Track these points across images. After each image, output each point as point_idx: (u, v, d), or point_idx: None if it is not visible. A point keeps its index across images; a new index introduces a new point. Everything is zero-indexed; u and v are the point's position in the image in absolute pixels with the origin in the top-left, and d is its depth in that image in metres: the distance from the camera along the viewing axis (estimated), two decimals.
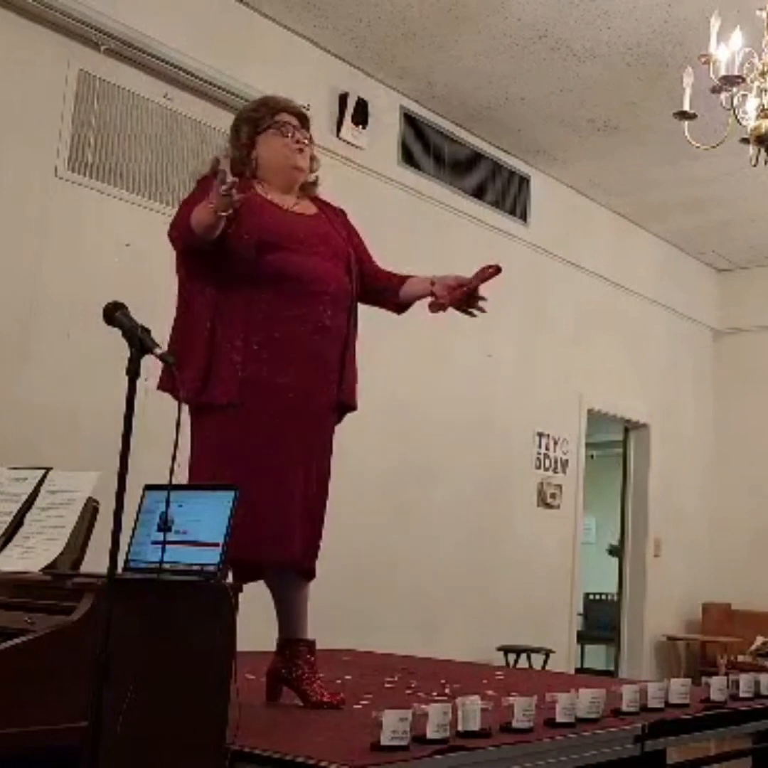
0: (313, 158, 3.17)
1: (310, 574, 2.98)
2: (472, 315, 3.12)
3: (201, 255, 2.87)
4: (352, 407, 3.10)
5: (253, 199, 2.94)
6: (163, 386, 2.88)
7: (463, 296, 3.06)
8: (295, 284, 2.91)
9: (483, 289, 3.08)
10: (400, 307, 3.24)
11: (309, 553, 2.94)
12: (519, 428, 7.07)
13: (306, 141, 3.11)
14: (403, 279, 3.20)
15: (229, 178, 2.61)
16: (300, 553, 2.88)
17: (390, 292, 3.19)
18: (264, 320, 2.86)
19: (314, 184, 3.20)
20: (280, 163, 3.07)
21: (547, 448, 7.34)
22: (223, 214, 2.71)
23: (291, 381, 2.87)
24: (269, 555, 2.82)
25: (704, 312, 9.02)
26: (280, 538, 2.83)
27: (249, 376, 2.83)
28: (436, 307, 3.08)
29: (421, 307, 3.20)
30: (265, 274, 2.88)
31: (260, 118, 3.09)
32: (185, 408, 2.63)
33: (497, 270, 3.04)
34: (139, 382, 1.95)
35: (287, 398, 2.86)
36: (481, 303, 3.10)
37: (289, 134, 3.08)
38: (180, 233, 2.86)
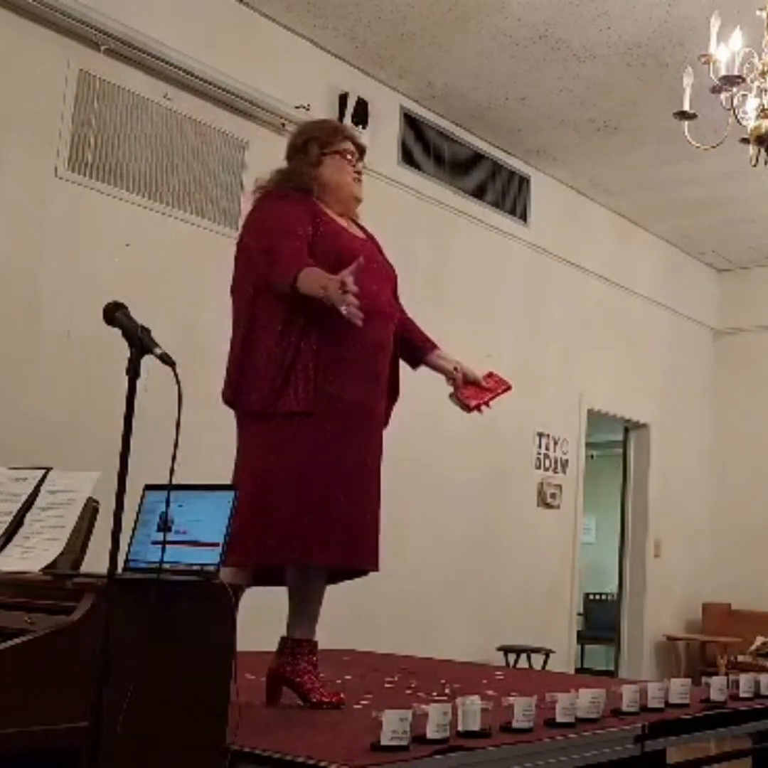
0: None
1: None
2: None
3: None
4: (386, 423, 3.27)
5: (326, 219, 3.06)
6: (227, 398, 3.00)
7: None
8: (361, 305, 2.96)
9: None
10: (417, 366, 3.46)
11: (377, 555, 3.14)
12: (519, 428, 7.07)
13: (362, 173, 3.24)
14: (434, 345, 3.45)
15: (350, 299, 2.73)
16: (376, 558, 3.11)
17: (420, 353, 3.43)
18: (333, 339, 2.95)
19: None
20: (342, 190, 3.16)
21: (547, 448, 7.34)
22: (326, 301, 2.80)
23: (356, 398, 2.99)
24: (365, 562, 3.08)
25: (704, 312, 9.02)
26: (372, 545, 3.08)
27: (318, 389, 2.92)
28: (468, 408, 3.37)
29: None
30: None
31: (329, 141, 3.17)
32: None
33: (510, 388, 3.35)
34: (139, 382, 1.95)
35: (353, 413, 2.98)
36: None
37: (352, 164, 3.19)
38: (278, 276, 2.88)
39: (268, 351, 2.93)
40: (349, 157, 3.19)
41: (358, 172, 3.22)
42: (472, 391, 3.36)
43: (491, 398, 3.34)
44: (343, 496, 2.94)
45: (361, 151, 3.27)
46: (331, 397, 2.94)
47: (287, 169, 3.19)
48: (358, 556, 3.03)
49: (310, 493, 2.89)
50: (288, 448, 2.92)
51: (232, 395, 3.01)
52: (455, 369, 3.39)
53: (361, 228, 3.29)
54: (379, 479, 3.15)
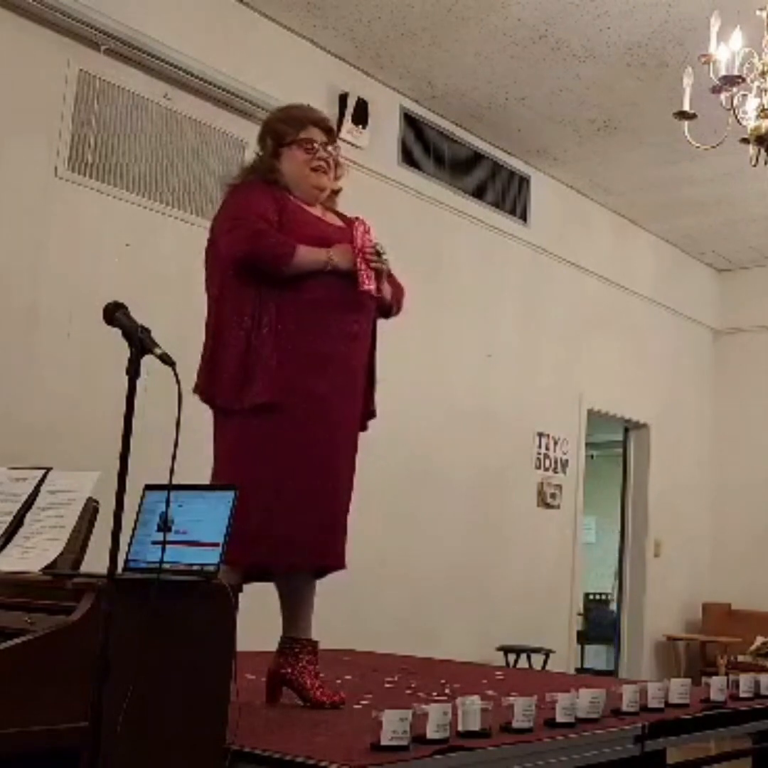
0: (338, 166, 3.20)
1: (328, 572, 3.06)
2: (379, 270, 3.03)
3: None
4: (373, 414, 3.18)
5: (294, 206, 3.02)
6: (199, 391, 2.95)
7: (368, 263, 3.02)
8: (327, 293, 2.96)
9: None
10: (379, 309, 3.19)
11: (344, 553, 3.04)
12: (519, 428, 7.07)
13: (330, 158, 3.14)
14: None
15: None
16: (343, 557, 3.01)
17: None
18: (297, 329, 2.91)
19: (336, 193, 3.23)
20: (302, 181, 3.10)
21: (547, 448, 7.34)
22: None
23: (324, 390, 2.93)
24: (322, 561, 2.96)
25: (704, 312, 9.02)
26: (332, 544, 2.95)
27: (284, 382, 2.87)
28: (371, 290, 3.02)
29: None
30: (300, 282, 2.93)
31: (286, 132, 3.11)
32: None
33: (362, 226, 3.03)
34: (139, 382, 1.95)
35: (321, 406, 2.92)
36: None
37: (313, 152, 3.09)
38: (270, 259, 2.88)
39: (234, 344, 2.89)
40: (310, 145, 3.09)
41: (321, 159, 3.09)
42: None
43: (360, 265, 2.96)
44: (306, 495, 2.86)
45: (329, 133, 3.16)
46: (298, 390, 2.88)
47: (251, 164, 3.17)
48: (321, 557, 2.96)
49: (275, 493, 2.84)
50: (255, 445, 2.87)
51: (201, 391, 2.95)
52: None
53: (343, 218, 3.21)
54: (351, 475, 3.05)
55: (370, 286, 2.97)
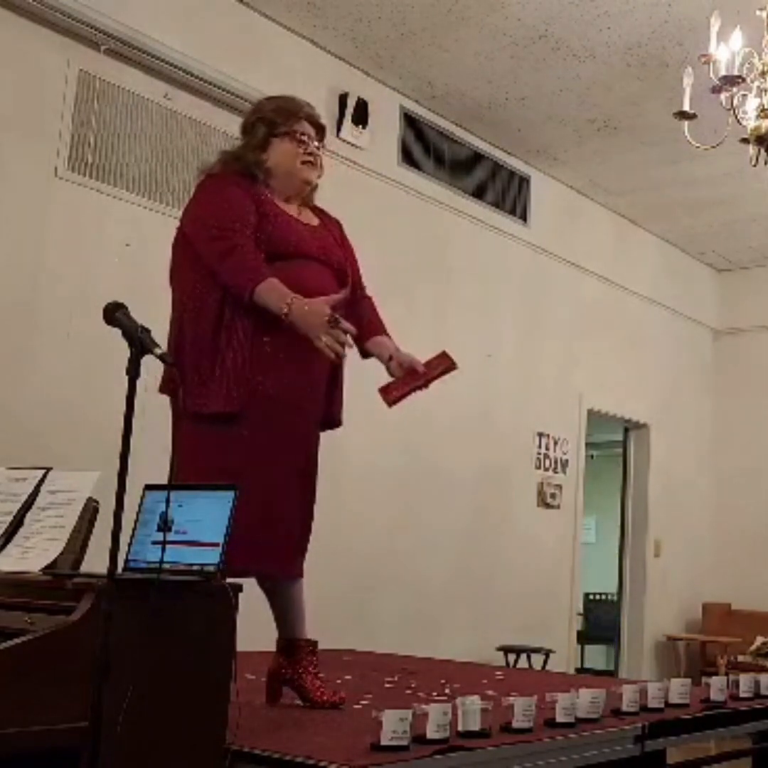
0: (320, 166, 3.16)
1: (297, 576, 2.97)
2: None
3: None
4: (338, 424, 3.11)
5: (269, 206, 2.96)
6: (164, 390, 2.89)
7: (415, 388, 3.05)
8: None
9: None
10: (360, 352, 3.17)
11: (297, 560, 2.95)
12: (519, 428, 7.07)
13: (319, 153, 3.10)
14: (372, 331, 3.15)
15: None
16: (287, 563, 2.91)
17: (360, 340, 3.10)
18: (257, 334, 2.85)
19: (313, 190, 3.18)
20: (290, 174, 3.05)
21: (547, 448, 7.34)
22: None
23: (281, 395, 2.86)
24: (257, 566, 2.81)
25: (704, 312, 9.02)
26: (269, 549, 2.83)
27: (244, 388, 2.81)
28: (390, 399, 3.03)
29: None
30: None
31: (279, 122, 3.06)
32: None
33: (453, 366, 3.08)
34: (139, 382, 1.95)
35: (278, 412, 2.86)
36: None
37: (304, 146, 3.06)
38: (233, 284, 2.80)
39: (200, 343, 2.82)
40: (301, 138, 3.05)
41: (311, 154, 3.06)
42: (398, 382, 3.05)
43: (414, 388, 3.03)
44: (256, 500, 2.68)
45: (319, 130, 3.13)
46: (262, 396, 2.82)
47: (233, 152, 3.10)
48: (272, 563, 2.84)
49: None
50: (211, 449, 2.80)
51: (164, 388, 2.88)
52: (390, 358, 3.09)
53: (320, 213, 3.17)
54: (313, 483, 2.98)
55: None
